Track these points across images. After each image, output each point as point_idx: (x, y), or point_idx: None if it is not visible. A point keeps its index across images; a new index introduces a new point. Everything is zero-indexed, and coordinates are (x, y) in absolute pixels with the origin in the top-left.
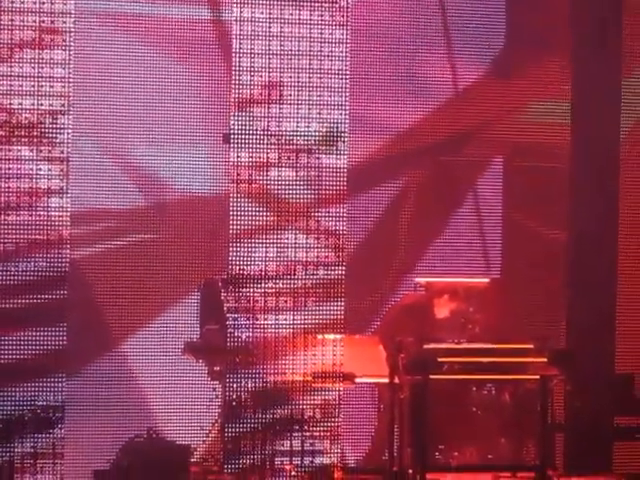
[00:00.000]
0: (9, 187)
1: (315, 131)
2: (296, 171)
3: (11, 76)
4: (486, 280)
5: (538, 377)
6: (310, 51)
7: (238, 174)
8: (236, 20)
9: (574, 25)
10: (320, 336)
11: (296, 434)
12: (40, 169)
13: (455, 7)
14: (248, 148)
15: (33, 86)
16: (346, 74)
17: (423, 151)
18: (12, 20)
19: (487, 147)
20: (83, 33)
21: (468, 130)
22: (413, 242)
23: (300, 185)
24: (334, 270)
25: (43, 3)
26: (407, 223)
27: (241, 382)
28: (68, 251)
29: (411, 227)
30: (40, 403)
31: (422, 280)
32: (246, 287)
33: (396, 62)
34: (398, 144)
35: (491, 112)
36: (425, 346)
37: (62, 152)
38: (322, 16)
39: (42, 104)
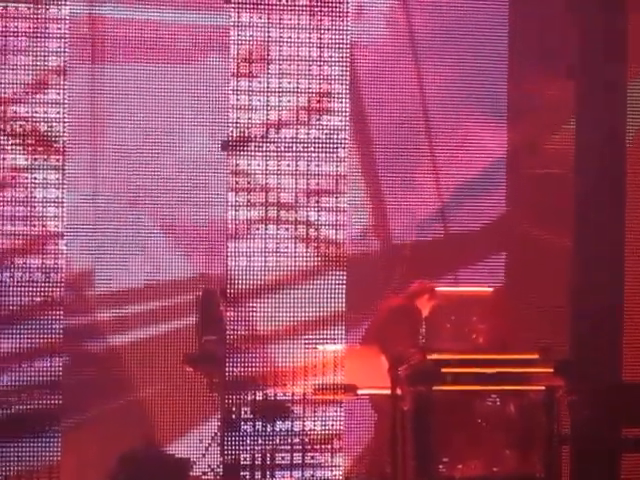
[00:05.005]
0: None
1: (315, 138)
2: (295, 178)
3: (6, 83)
4: (490, 289)
5: (543, 388)
6: (309, 56)
7: (237, 182)
8: (234, 25)
9: (578, 29)
10: (321, 347)
11: (297, 447)
12: (35, 177)
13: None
14: (246, 156)
15: (28, 93)
16: (346, 80)
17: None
18: (6, 26)
19: (491, 154)
20: (78, 41)
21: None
22: (416, 250)
23: (299, 193)
24: (334, 279)
25: (38, 8)
26: (409, 230)
27: (241, 394)
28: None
29: (413, 234)
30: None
31: None
32: (245, 297)
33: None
34: (400, 149)
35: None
36: (428, 357)
37: (58, 160)
38: (321, 21)
39: (37, 112)
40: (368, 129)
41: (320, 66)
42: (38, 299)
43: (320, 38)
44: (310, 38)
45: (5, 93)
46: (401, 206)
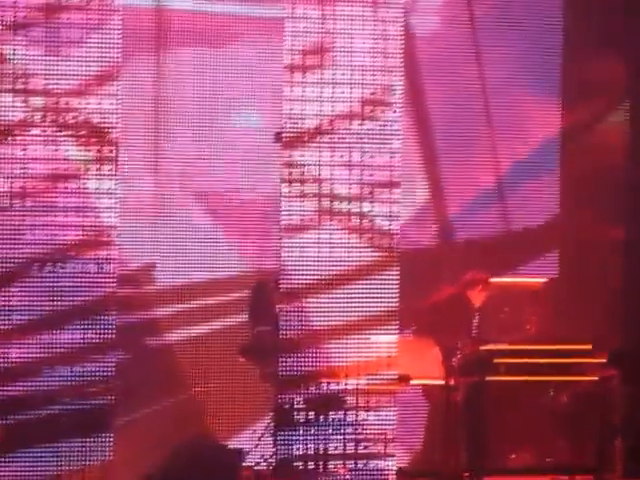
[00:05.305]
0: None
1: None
2: (349, 169)
3: (61, 74)
4: (543, 280)
5: (597, 378)
6: (363, 48)
7: (290, 173)
8: (288, 17)
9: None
10: (374, 338)
11: (350, 437)
12: (89, 169)
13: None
14: (300, 147)
15: (82, 85)
16: (400, 70)
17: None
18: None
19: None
20: (132, 32)
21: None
22: (469, 241)
23: (353, 184)
24: (387, 271)
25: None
26: (462, 220)
27: (294, 385)
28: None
29: (466, 224)
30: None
31: None
32: (299, 290)
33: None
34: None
35: None
36: (481, 347)
37: (111, 152)
38: (376, 12)
39: (90, 103)
40: (424, 115)
41: (374, 58)
42: (91, 292)
43: (374, 29)
44: (364, 29)
45: (60, 84)
46: (456, 198)
